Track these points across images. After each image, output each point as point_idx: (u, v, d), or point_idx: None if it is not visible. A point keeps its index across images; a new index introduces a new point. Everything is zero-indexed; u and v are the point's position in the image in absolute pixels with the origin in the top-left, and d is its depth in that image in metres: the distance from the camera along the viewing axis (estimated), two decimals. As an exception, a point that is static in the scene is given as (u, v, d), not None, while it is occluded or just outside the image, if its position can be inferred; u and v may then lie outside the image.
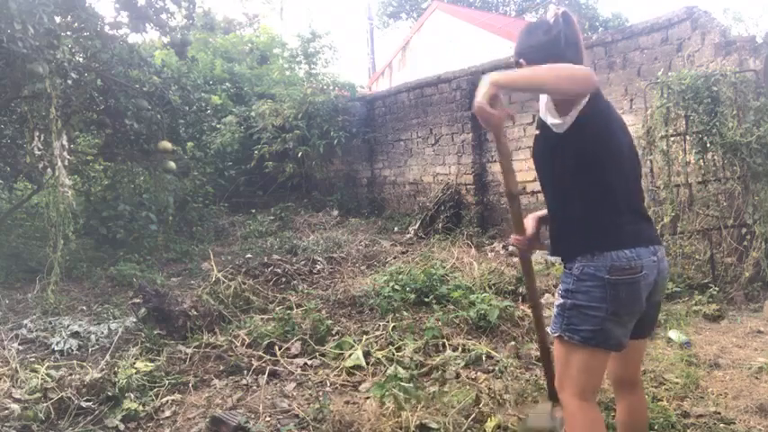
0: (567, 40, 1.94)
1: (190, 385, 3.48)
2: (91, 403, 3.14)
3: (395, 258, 6.98)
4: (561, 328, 1.94)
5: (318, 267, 6.36)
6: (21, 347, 4.14)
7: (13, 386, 3.33)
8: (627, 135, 2.03)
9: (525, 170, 8.02)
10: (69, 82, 5.58)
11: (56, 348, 4.11)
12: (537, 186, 7.72)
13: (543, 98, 1.95)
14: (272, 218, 10.13)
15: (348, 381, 3.51)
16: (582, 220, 1.93)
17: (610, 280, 1.85)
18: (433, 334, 4.02)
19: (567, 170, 1.93)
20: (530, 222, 2.20)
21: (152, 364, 3.67)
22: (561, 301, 1.95)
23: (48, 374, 3.45)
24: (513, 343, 4.00)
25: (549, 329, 2.04)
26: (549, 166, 2.02)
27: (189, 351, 3.94)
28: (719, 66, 5.35)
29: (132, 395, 3.25)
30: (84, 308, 5.23)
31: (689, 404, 3.05)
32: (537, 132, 2.06)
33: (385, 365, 3.65)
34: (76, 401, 3.11)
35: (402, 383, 3.09)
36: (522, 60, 2.03)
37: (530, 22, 2.16)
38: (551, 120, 1.90)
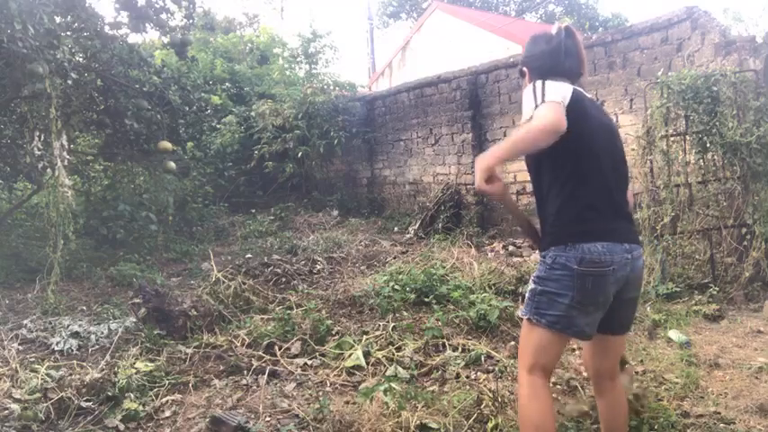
0: (566, 50, 2.12)
1: (190, 385, 3.48)
2: (91, 403, 3.14)
3: (395, 258, 6.98)
4: (530, 312, 2.09)
5: (318, 267, 6.36)
6: (21, 347, 4.14)
7: (13, 386, 3.32)
8: (612, 136, 2.17)
9: (525, 170, 8.02)
10: (69, 82, 5.57)
11: (56, 348, 4.11)
12: (537, 186, 7.73)
13: (524, 107, 2.05)
14: (271, 218, 10.12)
15: (348, 381, 3.51)
16: (557, 213, 2.05)
17: (578, 271, 1.98)
18: (433, 334, 4.02)
19: (545, 169, 2.10)
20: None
21: (152, 364, 3.66)
22: (533, 286, 2.10)
23: (48, 374, 3.45)
24: (513, 343, 3.99)
25: (519, 312, 2.18)
26: (534, 167, 2.19)
27: (189, 351, 3.94)
28: (719, 66, 5.35)
29: (132, 395, 3.25)
30: (84, 308, 5.23)
31: (689, 404, 3.05)
32: None
33: (385, 365, 3.65)
34: (76, 401, 3.11)
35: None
36: (524, 68, 2.24)
37: (537, 33, 2.29)
38: None
